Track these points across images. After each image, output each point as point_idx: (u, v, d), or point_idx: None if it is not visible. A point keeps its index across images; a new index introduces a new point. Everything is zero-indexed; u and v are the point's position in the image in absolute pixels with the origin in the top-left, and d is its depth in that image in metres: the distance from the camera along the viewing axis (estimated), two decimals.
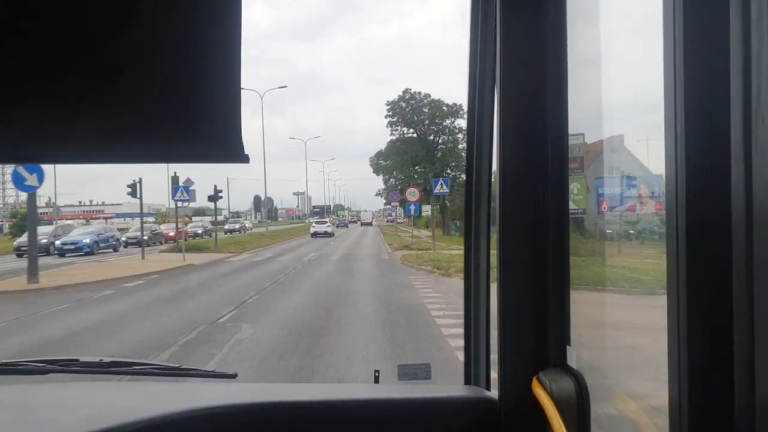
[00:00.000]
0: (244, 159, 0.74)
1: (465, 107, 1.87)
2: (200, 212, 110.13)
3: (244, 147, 0.74)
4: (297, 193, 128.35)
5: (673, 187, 0.77)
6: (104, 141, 0.74)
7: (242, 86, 0.71)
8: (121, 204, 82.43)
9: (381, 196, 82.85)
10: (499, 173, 1.48)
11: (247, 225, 58.84)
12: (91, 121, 0.72)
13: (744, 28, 0.67)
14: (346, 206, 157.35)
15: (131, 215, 71.35)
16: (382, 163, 78.07)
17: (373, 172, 76.65)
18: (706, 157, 0.74)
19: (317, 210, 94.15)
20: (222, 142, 0.74)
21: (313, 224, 47.29)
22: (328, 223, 47.88)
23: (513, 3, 1.43)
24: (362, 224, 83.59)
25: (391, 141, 76.53)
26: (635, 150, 1.64)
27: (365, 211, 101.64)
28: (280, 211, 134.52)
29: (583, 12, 1.48)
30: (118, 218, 72.13)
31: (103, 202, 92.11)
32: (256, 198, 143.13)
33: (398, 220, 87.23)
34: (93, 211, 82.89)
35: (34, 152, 0.77)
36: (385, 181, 79.88)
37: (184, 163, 1.11)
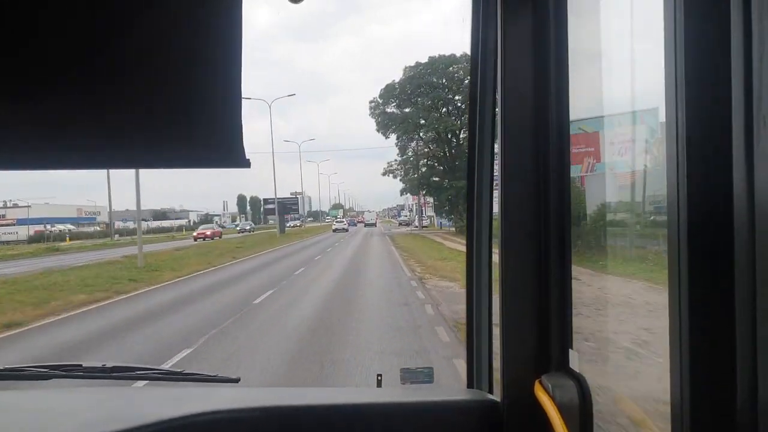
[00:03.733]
0: (246, 164, 0.78)
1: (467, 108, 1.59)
2: (161, 215, 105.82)
3: (245, 151, 0.78)
4: (294, 194, 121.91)
5: (674, 186, 0.83)
6: (105, 147, 0.76)
7: (248, 95, 0.75)
8: (30, 206, 75.92)
9: (394, 176, 52.02)
10: (501, 175, 1.60)
11: None
12: (92, 127, 0.74)
13: (745, 28, 0.71)
14: (347, 206, 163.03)
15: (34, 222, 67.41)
16: (395, 112, 46.73)
17: (378, 130, 46.36)
18: (708, 157, 0.79)
19: (270, 207, 69.62)
20: (223, 147, 0.76)
21: (334, 223, 69.43)
22: (345, 223, 70.27)
23: (514, 2, 1.56)
24: (366, 225, 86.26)
25: (413, 66, 44.95)
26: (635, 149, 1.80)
27: (368, 211, 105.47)
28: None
29: (584, 11, 1.61)
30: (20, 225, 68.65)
31: (15, 204, 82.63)
32: (240, 198, 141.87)
33: (417, 224, 60.42)
34: None
35: (33, 158, 0.79)
36: (402, 148, 48.68)
37: (185, 168, 0.89)
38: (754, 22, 0.69)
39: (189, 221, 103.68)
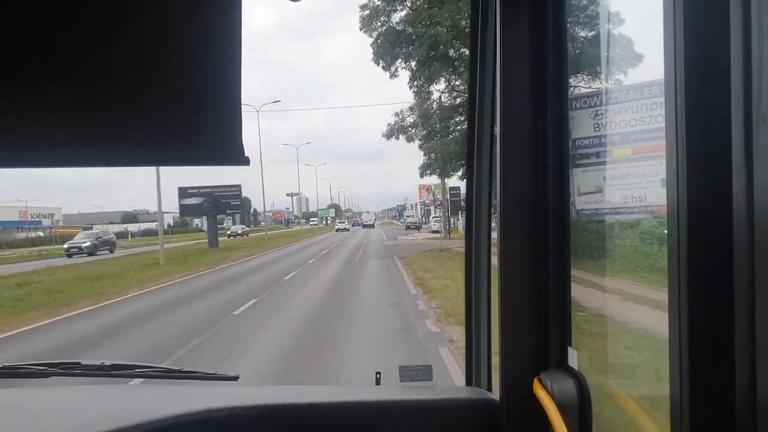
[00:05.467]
0: (245, 161, 0.79)
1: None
2: (131, 217, 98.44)
3: (245, 149, 0.79)
4: (291, 194, 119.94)
5: (674, 186, 0.85)
6: (105, 145, 0.77)
7: (246, 95, 0.73)
8: None
9: (407, 138, 29.49)
10: (500, 173, 1.65)
11: None
12: (92, 125, 0.75)
13: (744, 26, 0.73)
14: (344, 207, 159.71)
15: None
16: (406, 29, 25.17)
17: (377, 59, 26.35)
18: (707, 157, 0.81)
19: (189, 204, 42.69)
20: (222, 144, 0.77)
21: (337, 223, 79.62)
22: (347, 223, 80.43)
23: (513, 1, 1.63)
24: (363, 226, 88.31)
25: None
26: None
27: (367, 212, 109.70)
28: (265, 214, 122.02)
29: (582, 9, 1.64)
30: None
31: None
32: None
33: (438, 228, 43.29)
34: None
35: (31, 156, 0.81)
36: (421, 93, 27.70)
37: (184, 165, 0.90)
38: (754, 21, 0.71)
39: (154, 225, 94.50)
